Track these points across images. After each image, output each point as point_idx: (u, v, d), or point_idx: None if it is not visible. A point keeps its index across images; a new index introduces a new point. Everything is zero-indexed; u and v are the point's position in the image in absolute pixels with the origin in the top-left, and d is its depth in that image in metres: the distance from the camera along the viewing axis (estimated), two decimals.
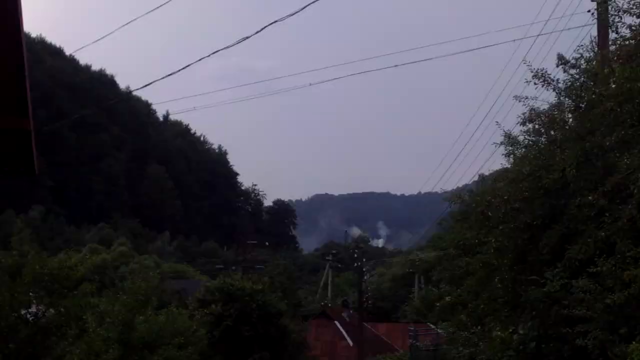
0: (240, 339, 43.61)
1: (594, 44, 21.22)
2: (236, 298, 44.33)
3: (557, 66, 19.18)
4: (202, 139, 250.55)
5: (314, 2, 19.89)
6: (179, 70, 25.06)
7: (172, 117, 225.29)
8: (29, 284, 21.88)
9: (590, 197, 14.25)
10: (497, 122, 21.54)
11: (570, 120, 18.12)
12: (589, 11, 21.84)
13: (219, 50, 24.32)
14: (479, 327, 20.17)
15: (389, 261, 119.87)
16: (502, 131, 20.20)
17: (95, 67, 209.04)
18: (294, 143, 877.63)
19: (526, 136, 19.64)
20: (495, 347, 16.47)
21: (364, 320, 64.46)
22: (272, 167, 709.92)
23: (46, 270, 21.77)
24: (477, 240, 20.00)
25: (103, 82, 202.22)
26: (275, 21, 21.31)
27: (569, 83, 18.46)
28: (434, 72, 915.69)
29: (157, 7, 24.42)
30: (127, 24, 26.48)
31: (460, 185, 42.39)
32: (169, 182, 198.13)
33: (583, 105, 17.40)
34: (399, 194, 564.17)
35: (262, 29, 21.81)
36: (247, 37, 22.47)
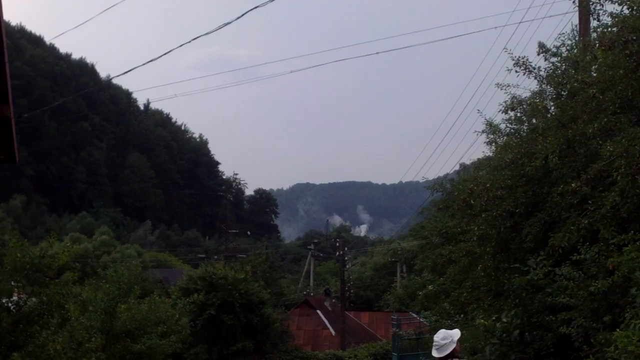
0: (223, 328, 43.72)
1: (575, 32, 21.26)
2: (219, 287, 44.41)
3: (538, 54, 19.20)
4: (182, 127, 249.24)
5: None
6: (159, 57, 24.99)
7: (153, 106, 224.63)
8: (10, 272, 21.70)
9: (573, 185, 14.22)
10: (478, 110, 21.61)
11: (552, 108, 18.11)
12: None
13: (200, 37, 24.27)
14: (462, 316, 20.22)
15: (371, 250, 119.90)
16: (484, 119, 20.25)
17: (75, 56, 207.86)
18: (275, 132, 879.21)
19: (508, 124, 19.67)
20: (478, 335, 16.48)
21: (347, 309, 64.61)
22: (253, 156, 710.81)
23: (27, 259, 21.60)
24: (459, 229, 20.03)
25: (83, 70, 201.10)
26: (257, 7, 21.28)
27: (550, 71, 18.46)
28: (416, 60, 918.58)
29: None
30: (107, 9, 26.30)
31: (441, 174, 42.56)
32: (150, 171, 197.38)
33: (564, 93, 17.39)
34: (380, 183, 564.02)
35: (242, 14, 21.77)
36: (228, 23, 22.44)
